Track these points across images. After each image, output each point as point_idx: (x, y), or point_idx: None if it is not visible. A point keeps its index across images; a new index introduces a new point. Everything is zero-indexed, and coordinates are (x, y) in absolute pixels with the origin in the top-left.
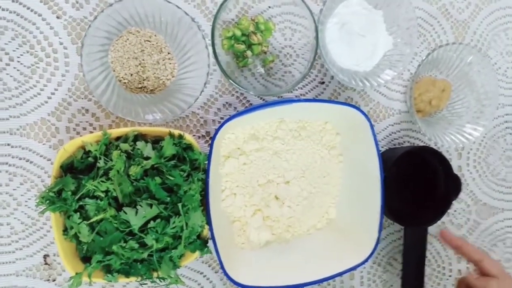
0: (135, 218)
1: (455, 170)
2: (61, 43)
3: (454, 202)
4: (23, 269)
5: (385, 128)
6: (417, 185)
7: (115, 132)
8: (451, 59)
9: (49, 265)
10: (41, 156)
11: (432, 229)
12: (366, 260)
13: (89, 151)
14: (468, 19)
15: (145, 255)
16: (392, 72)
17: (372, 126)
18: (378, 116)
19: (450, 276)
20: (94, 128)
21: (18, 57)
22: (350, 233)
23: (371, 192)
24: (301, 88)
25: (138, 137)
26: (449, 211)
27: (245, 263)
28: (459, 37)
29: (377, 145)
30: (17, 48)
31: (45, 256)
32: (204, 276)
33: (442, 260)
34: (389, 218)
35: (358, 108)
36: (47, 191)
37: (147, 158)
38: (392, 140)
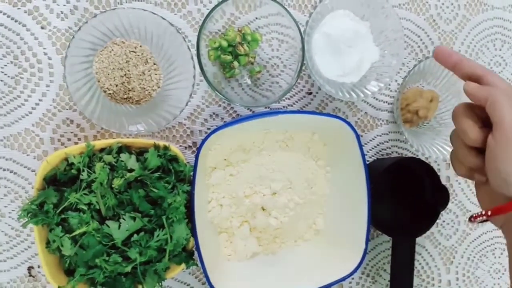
0: (118, 231)
1: (444, 181)
2: (45, 54)
3: (442, 212)
4: (7, 281)
5: (373, 139)
6: (405, 195)
7: (99, 143)
8: (438, 70)
9: (33, 277)
10: (25, 167)
11: (420, 240)
12: (354, 271)
13: (72, 163)
14: (455, 30)
15: (129, 268)
16: (379, 84)
17: (358, 138)
18: (365, 127)
19: (439, 286)
20: (79, 139)
21: (1, 68)
22: (338, 244)
23: (358, 203)
24: (289, 99)
25: (122, 148)
26: (437, 221)
27: (232, 275)
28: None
29: (363, 156)
30: (1, 59)
31: (30, 268)
32: None
33: (431, 270)
34: (377, 229)
35: (344, 120)
36: (29, 203)
37: (131, 170)
38: (380, 151)
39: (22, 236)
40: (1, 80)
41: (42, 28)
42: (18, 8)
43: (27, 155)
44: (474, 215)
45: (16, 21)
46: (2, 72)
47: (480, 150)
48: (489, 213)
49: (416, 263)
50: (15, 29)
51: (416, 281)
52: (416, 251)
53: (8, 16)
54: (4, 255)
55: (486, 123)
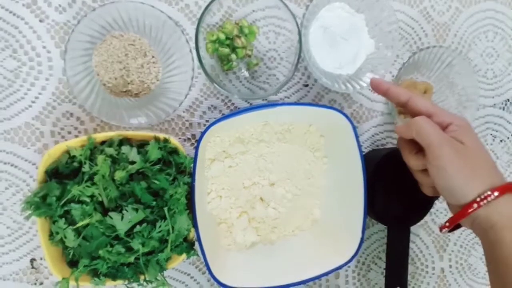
0: (121, 222)
1: None
2: (44, 47)
3: (436, 202)
4: (10, 273)
5: (368, 130)
6: (400, 185)
7: (100, 136)
8: (432, 62)
9: (36, 269)
10: (25, 160)
11: (414, 228)
12: (350, 260)
13: (74, 155)
14: (448, 22)
15: (131, 259)
16: (374, 75)
17: (354, 128)
18: (361, 118)
19: (433, 274)
20: (79, 132)
21: (1, 62)
22: (335, 234)
23: (355, 193)
24: (286, 91)
25: (123, 141)
26: (431, 210)
27: (232, 264)
28: (440, 39)
29: (359, 146)
30: None
31: (32, 260)
32: (192, 277)
33: (425, 258)
34: (373, 218)
35: (340, 111)
36: (32, 196)
37: (132, 163)
38: (375, 141)
39: (24, 228)
40: (1, 74)
41: (40, 21)
42: (16, 2)
43: (28, 148)
44: (440, 227)
45: (14, 14)
46: (1, 66)
47: None
48: (447, 224)
49: (410, 251)
50: (14, 23)
51: (410, 268)
52: (410, 240)
53: (6, 10)
54: (6, 247)
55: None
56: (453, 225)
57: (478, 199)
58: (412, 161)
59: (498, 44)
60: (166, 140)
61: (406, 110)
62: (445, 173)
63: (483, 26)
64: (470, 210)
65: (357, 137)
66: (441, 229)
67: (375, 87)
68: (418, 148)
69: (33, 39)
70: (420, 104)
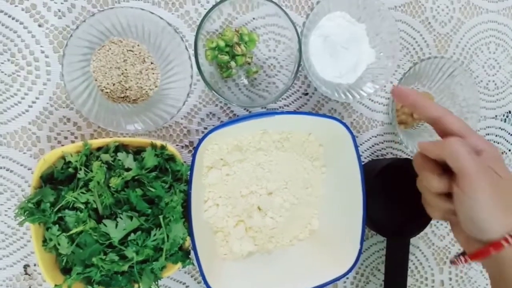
0: (115, 230)
1: None
2: (42, 52)
3: None
4: (3, 279)
5: (368, 140)
6: (399, 196)
7: (96, 142)
8: (433, 72)
9: (29, 275)
10: (21, 165)
11: (414, 240)
12: (348, 271)
13: (70, 161)
14: (450, 33)
15: (125, 267)
16: (374, 85)
17: (354, 138)
18: (361, 128)
19: (432, 286)
20: (76, 137)
21: None
22: (333, 244)
23: (353, 203)
24: (285, 99)
25: (120, 147)
26: (431, 222)
27: (228, 274)
28: (442, 50)
29: (359, 157)
30: None
31: (26, 266)
32: (187, 287)
33: (424, 270)
34: (372, 229)
35: (340, 121)
36: (26, 201)
37: (128, 170)
38: (375, 152)
39: (18, 234)
40: None
41: (39, 26)
42: (16, 6)
43: (24, 153)
44: (454, 261)
45: (13, 18)
46: None
47: (448, 194)
48: (469, 260)
49: (410, 263)
50: (12, 27)
51: (410, 281)
52: (410, 251)
53: (6, 14)
54: (0, 253)
55: (445, 167)
56: (474, 261)
57: (508, 237)
58: (435, 183)
59: (500, 56)
60: (163, 147)
61: (434, 126)
62: (477, 204)
63: (485, 38)
64: (500, 249)
65: (356, 147)
66: (454, 262)
67: (398, 96)
68: (442, 169)
69: (32, 43)
70: (454, 123)
